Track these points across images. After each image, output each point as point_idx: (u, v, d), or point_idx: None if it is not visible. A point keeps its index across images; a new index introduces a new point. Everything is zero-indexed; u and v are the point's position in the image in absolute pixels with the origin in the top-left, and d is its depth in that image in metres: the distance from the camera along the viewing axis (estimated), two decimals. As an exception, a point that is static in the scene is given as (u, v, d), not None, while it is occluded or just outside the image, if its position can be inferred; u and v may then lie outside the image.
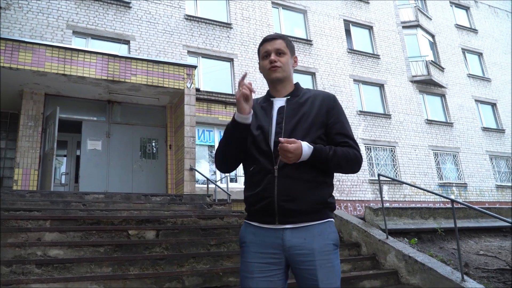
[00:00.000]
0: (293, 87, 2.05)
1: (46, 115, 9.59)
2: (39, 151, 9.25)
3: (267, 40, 2.03)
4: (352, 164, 1.90)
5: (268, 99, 2.05)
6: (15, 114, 10.51)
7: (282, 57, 1.99)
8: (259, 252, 1.83)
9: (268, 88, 2.09)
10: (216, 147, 12.32)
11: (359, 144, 14.00)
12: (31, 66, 8.53)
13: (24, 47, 8.56)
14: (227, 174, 11.88)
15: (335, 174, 2.04)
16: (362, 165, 14.42)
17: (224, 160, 2.00)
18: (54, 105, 9.54)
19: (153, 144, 10.91)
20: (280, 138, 1.74)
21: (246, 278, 1.82)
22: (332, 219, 1.90)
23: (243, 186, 1.99)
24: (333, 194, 1.95)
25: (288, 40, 2.05)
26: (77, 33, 11.58)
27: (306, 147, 1.78)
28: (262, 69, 2.05)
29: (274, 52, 1.99)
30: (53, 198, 6.85)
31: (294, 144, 1.73)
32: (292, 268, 1.83)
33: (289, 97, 2.01)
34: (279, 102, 2.00)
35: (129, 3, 12.50)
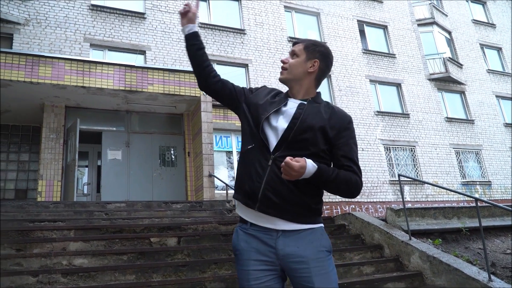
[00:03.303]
0: (311, 94, 1.99)
1: (67, 127, 9.78)
2: (61, 162, 9.44)
3: (292, 44, 2.09)
4: (352, 190, 1.84)
5: (287, 95, 2.01)
6: (37, 127, 10.77)
7: (293, 58, 1.99)
8: (252, 259, 1.80)
9: None
10: (234, 152, 12.40)
11: (378, 145, 13.64)
12: (51, 80, 8.72)
13: (44, 61, 8.76)
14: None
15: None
16: (382, 166, 14.44)
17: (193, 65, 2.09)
18: (74, 117, 9.73)
19: (172, 152, 11.01)
20: (287, 158, 1.67)
21: (243, 286, 1.81)
22: (321, 224, 1.87)
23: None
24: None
25: (308, 45, 2.00)
26: (95, 45, 11.80)
27: (310, 166, 1.72)
28: None
29: (290, 54, 2.02)
30: (76, 208, 6.97)
31: (298, 163, 1.67)
32: (288, 276, 1.81)
33: (309, 99, 1.97)
34: (293, 103, 1.95)
35: (143, 14, 12.69)
